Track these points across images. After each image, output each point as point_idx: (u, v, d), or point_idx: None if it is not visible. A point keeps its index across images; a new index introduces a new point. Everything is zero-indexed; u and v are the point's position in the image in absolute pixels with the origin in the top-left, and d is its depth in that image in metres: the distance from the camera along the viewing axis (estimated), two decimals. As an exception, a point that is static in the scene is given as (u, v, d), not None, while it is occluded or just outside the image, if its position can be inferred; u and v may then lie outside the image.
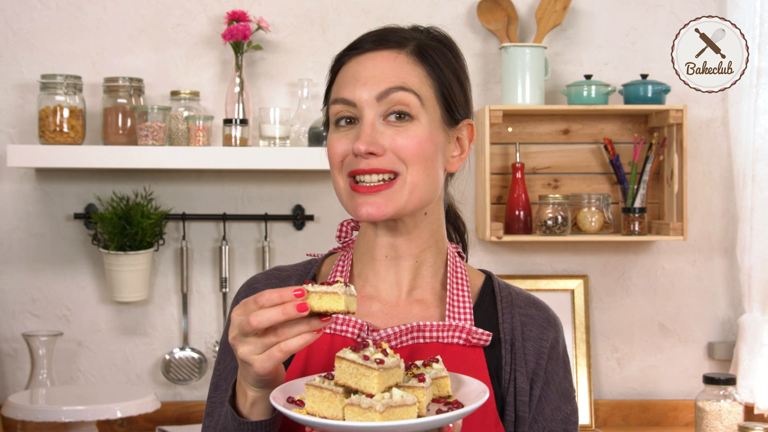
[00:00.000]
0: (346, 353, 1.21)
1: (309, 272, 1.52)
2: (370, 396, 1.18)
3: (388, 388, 1.20)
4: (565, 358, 1.49)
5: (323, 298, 1.21)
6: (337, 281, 1.23)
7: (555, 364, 1.46)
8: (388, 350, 1.23)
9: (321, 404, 1.20)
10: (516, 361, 1.43)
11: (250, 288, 1.52)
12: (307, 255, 1.59)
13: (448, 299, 1.45)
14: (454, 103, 1.42)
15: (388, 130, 1.37)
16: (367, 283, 1.47)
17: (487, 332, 1.42)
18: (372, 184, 1.37)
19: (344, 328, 1.42)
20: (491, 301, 1.49)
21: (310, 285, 1.23)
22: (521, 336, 1.45)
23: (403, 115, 1.37)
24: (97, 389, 2.92)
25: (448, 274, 1.47)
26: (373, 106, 1.37)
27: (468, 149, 1.47)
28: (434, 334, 1.41)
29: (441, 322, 1.42)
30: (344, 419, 1.18)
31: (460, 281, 1.47)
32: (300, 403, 1.25)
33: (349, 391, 1.21)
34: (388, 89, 1.37)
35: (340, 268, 1.49)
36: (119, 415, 2.66)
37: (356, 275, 1.48)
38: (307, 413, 1.20)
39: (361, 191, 1.37)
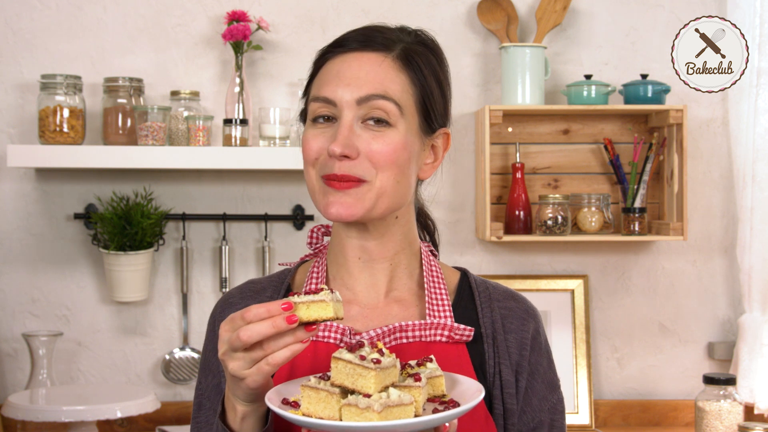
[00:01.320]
0: (343, 353, 1.21)
1: (283, 282, 1.52)
2: (368, 396, 1.18)
3: (385, 388, 1.20)
4: (547, 348, 1.50)
5: (311, 307, 1.22)
6: (321, 288, 1.24)
7: (538, 355, 1.47)
8: (384, 350, 1.23)
9: (317, 405, 1.20)
10: (499, 355, 1.44)
11: (226, 303, 1.52)
12: (279, 264, 1.59)
13: (426, 298, 1.45)
14: (433, 112, 1.42)
15: (365, 133, 1.37)
16: (343, 286, 1.47)
17: (469, 328, 1.43)
18: (343, 182, 1.37)
19: (326, 333, 1.41)
20: (469, 297, 1.49)
21: (295, 296, 1.23)
22: (502, 329, 1.46)
23: (381, 121, 1.37)
24: (97, 389, 2.92)
25: (425, 273, 1.48)
26: (352, 108, 1.37)
27: (441, 157, 1.47)
28: (416, 333, 1.42)
29: (422, 321, 1.42)
30: (341, 420, 1.18)
31: (436, 279, 1.48)
32: (295, 405, 1.24)
33: (345, 392, 1.20)
34: (369, 95, 1.37)
35: (315, 274, 1.49)
36: (119, 415, 2.66)
37: (331, 279, 1.49)
38: (303, 414, 1.20)
39: (333, 186, 1.37)
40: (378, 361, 1.19)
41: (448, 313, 1.44)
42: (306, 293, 1.23)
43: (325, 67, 1.42)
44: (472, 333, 1.43)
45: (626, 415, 3.10)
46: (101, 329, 3.05)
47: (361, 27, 1.45)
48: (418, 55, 1.41)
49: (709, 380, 2.83)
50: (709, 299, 3.15)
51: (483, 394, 1.25)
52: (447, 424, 1.22)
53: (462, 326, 1.43)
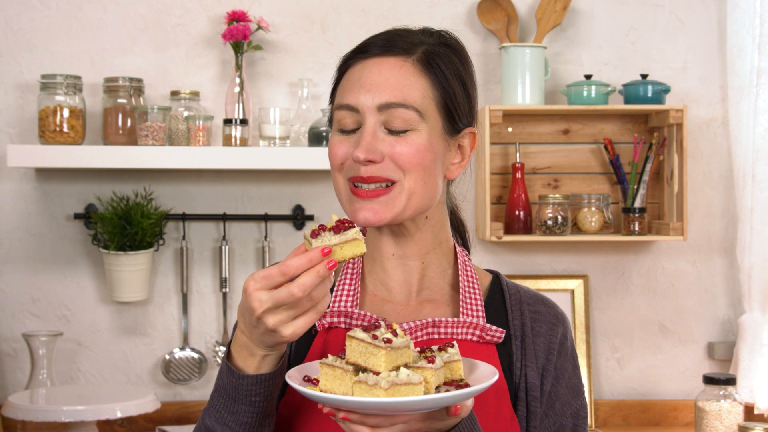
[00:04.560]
0: (357, 332, 1.24)
1: None
2: (377, 374, 1.20)
3: (397, 368, 1.22)
4: (573, 354, 1.52)
5: (344, 247, 1.25)
6: (347, 225, 1.26)
7: (564, 360, 1.49)
8: (398, 331, 1.25)
9: (333, 382, 1.23)
10: (526, 357, 1.46)
11: None
12: None
13: (461, 297, 1.47)
14: (456, 113, 1.43)
15: (387, 137, 1.39)
16: (378, 282, 1.49)
17: (501, 329, 1.45)
18: (370, 189, 1.39)
19: (360, 323, 1.44)
20: (500, 299, 1.51)
21: (325, 236, 1.24)
22: (531, 332, 1.48)
23: (403, 131, 1.39)
24: (97, 389, 2.92)
25: (460, 274, 1.49)
26: (374, 113, 1.39)
27: (469, 157, 1.48)
28: (449, 330, 1.44)
29: (455, 319, 1.44)
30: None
31: (471, 280, 1.49)
32: (315, 382, 1.28)
33: (359, 370, 1.23)
34: (389, 103, 1.38)
35: (351, 265, 1.51)
36: (119, 415, 2.66)
37: (367, 273, 1.51)
38: (321, 390, 1.24)
39: (360, 195, 1.39)
40: (389, 341, 1.22)
41: (480, 313, 1.46)
42: (333, 230, 1.25)
43: (348, 74, 1.44)
44: (503, 335, 1.45)
45: (626, 415, 3.10)
46: (101, 329, 3.05)
47: (384, 31, 1.46)
48: (439, 57, 1.42)
49: (709, 380, 2.82)
50: (709, 299, 3.15)
51: (496, 377, 1.26)
52: (459, 406, 1.23)
53: (494, 327, 1.45)
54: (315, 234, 1.26)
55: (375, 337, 1.22)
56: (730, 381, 2.82)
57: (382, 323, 1.28)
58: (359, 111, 1.39)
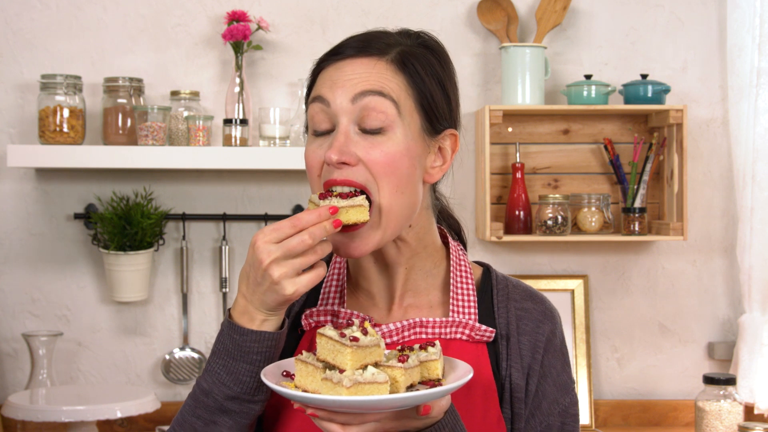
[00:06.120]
0: (327, 330, 1.24)
1: None
2: (342, 371, 1.21)
3: (365, 366, 1.22)
4: (563, 350, 1.48)
5: (350, 211, 1.30)
6: (353, 194, 1.31)
7: (553, 357, 1.45)
8: (369, 329, 1.25)
9: (306, 378, 1.24)
10: (511, 357, 1.42)
11: None
12: None
13: (451, 296, 1.44)
14: (435, 113, 1.39)
15: (362, 141, 1.34)
16: (361, 289, 1.48)
17: (491, 329, 1.42)
18: (344, 192, 1.35)
19: (345, 321, 1.42)
20: (489, 294, 1.48)
21: (335, 199, 1.30)
22: (516, 330, 1.44)
23: (378, 130, 1.34)
24: (97, 389, 2.92)
25: (451, 271, 1.46)
26: (347, 112, 1.35)
27: (450, 160, 1.43)
28: (437, 330, 1.42)
29: (444, 318, 1.42)
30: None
31: (463, 277, 1.46)
32: (293, 377, 1.29)
33: (328, 367, 1.24)
34: (363, 91, 1.34)
35: (338, 265, 1.49)
36: (119, 415, 2.66)
37: (351, 275, 1.49)
38: (295, 386, 1.25)
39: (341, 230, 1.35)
40: (355, 339, 1.22)
41: (472, 310, 1.44)
42: (339, 196, 1.31)
43: (321, 75, 1.40)
44: (493, 334, 1.42)
45: (626, 415, 3.10)
46: (101, 329, 3.05)
47: (361, 33, 1.42)
48: (414, 57, 1.38)
49: (709, 380, 2.83)
50: (709, 299, 3.15)
51: (467, 378, 1.24)
52: (430, 406, 1.22)
53: (484, 327, 1.42)
54: (323, 197, 1.30)
55: (343, 335, 1.22)
56: (730, 381, 2.82)
57: (356, 321, 1.28)
58: (331, 106, 1.35)
